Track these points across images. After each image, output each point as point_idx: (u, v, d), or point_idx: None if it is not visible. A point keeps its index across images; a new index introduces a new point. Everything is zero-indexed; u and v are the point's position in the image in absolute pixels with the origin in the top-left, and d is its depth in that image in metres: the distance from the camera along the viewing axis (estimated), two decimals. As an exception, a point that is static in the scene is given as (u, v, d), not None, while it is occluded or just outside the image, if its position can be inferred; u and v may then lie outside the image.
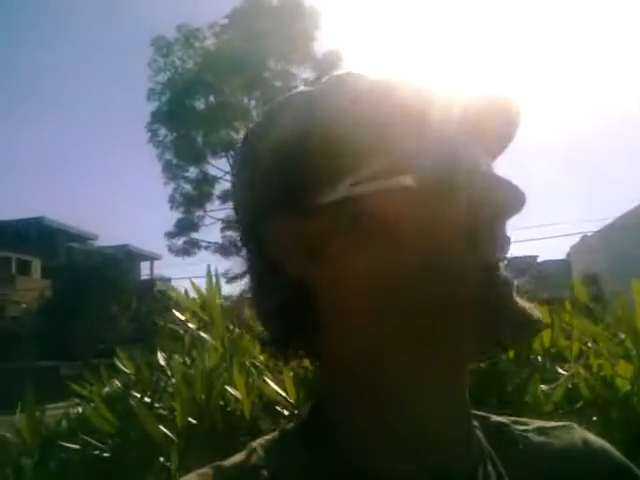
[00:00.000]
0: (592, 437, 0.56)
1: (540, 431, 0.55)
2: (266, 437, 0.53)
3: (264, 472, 0.48)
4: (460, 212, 0.44)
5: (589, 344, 1.48)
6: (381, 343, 0.47)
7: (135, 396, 1.54)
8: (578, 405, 1.34)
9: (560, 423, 0.58)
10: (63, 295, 23.84)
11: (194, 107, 22.45)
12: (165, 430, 1.32)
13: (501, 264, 0.46)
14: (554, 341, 1.41)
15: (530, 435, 0.54)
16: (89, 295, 23.26)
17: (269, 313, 0.52)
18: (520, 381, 1.33)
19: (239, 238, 0.55)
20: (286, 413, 1.40)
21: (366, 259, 0.46)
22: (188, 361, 1.83)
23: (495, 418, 0.56)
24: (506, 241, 0.47)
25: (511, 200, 0.46)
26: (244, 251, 0.54)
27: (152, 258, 33.88)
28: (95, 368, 2.06)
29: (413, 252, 0.45)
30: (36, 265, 28.74)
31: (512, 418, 0.57)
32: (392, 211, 0.45)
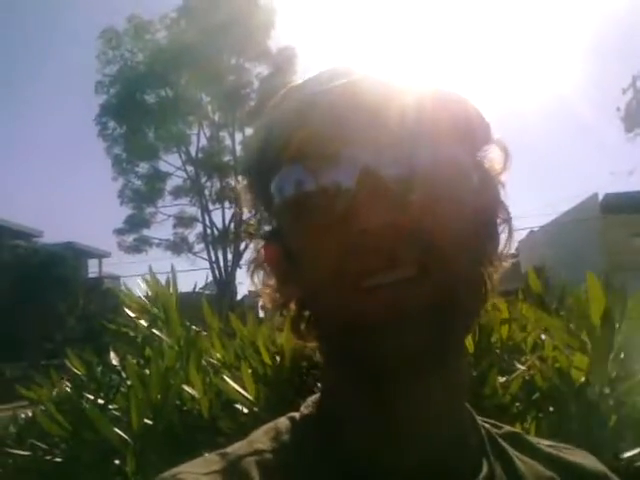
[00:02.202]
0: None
1: (552, 446, 0.56)
2: (270, 426, 0.52)
3: (272, 461, 0.48)
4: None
5: (543, 336, 1.52)
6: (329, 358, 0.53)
7: (88, 398, 1.48)
8: (534, 397, 1.36)
9: (570, 447, 0.59)
10: (7, 294, 22.97)
11: (145, 101, 21.96)
12: (120, 432, 1.28)
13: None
14: (511, 334, 1.43)
15: (542, 446, 0.56)
16: (35, 294, 22.50)
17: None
18: (478, 373, 1.35)
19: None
20: (245, 411, 1.37)
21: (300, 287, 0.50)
22: (141, 361, 1.78)
23: (508, 428, 0.57)
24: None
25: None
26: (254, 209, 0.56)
27: (100, 255, 33.03)
28: (43, 369, 1.99)
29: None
30: (-22, 263, 27.61)
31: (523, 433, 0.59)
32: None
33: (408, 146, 0.44)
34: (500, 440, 0.53)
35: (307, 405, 0.53)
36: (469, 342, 1.34)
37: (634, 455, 1.12)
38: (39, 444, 1.42)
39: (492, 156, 0.52)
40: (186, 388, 1.52)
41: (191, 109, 21.06)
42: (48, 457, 1.36)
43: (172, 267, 2.03)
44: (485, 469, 0.48)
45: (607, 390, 1.23)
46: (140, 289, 1.97)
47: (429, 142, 0.45)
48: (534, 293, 1.55)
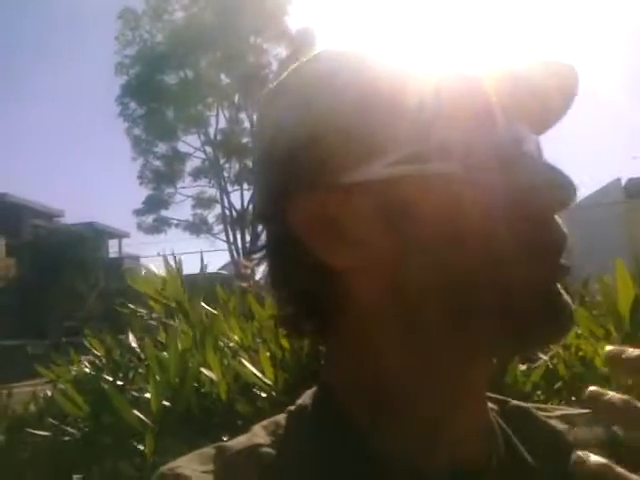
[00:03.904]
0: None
1: (564, 419, 0.53)
2: (270, 420, 0.51)
3: (269, 455, 0.46)
4: (509, 203, 0.42)
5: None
6: (410, 333, 0.45)
7: (107, 379, 1.49)
8: (557, 386, 1.34)
9: (583, 411, 0.55)
10: (29, 273, 23.36)
11: (164, 82, 21.99)
12: (139, 414, 1.28)
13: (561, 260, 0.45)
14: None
15: (554, 422, 0.53)
16: (55, 273, 22.85)
17: (287, 292, 0.51)
18: (499, 361, 1.33)
19: (259, 212, 0.52)
20: (263, 395, 1.37)
21: (400, 247, 0.44)
22: (158, 345, 1.78)
23: (514, 402, 0.55)
24: (563, 236, 0.45)
25: (563, 191, 0.45)
26: (263, 225, 0.52)
27: (120, 236, 33.38)
28: (63, 347, 2.01)
29: (456, 246, 0.43)
30: (0, 243, 28.08)
31: (533, 404, 0.56)
32: (431, 198, 0.43)
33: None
34: (505, 427, 0.51)
35: (306, 398, 0.51)
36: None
37: None
38: (58, 424, 1.43)
39: None
40: (204, 371, 1.51)
41: (210, 90, 21.03)
42: (67, 438, 1.37)
43: (177, 259, 1.91)
44: (494, 461, 0.47)
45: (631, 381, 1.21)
46: (155, 270, 1.96)
47: None
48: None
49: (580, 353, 1.33)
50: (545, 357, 1.35)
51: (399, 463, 0.45)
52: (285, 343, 1.40)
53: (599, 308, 1.30)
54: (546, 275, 0.44)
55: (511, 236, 0.42)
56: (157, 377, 1.36)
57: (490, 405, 0.52)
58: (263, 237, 0.53)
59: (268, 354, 1.40)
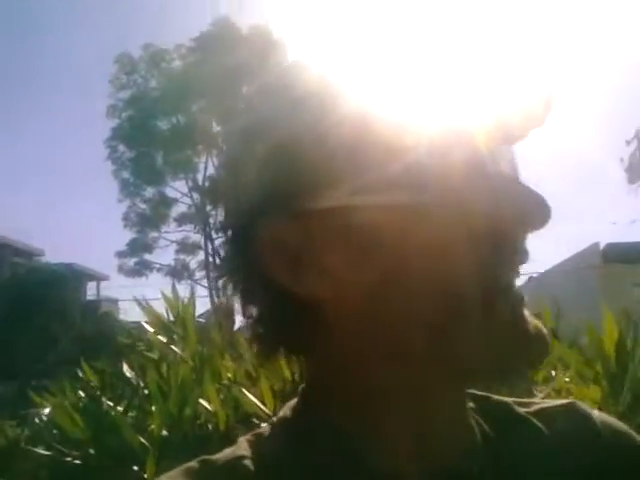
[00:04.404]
0: (601, 419, 0.55)
1: (543, 413, 0.54)
2: (254, 432, 0.52)
3: (251, 466, 0.47)
4: (471, 230, 0.42)
5: (553, 372, 1.55)
6: (373, 356, 0.47)
7: (108, 404, 1.51)
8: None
9: (562, 402, 0.57)
10: (3, 311, 22.85)
11: (156, 127, 22.26)
12: (141, 439, 1.30)
13: (514, 281, 0.45)
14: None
15: (533, 418, 0.53)
16: (31, 313, 22.33)
17: (254, 317, 0.51)
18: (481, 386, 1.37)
19: (225, 239, 0.51)
20: (263, 425, 1.39)
21: (360, 274, 0.44)
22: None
23: (496, 398, 0.55)
24: (524, 256, 0.46)
25: (534, 213, 0.44)
26: (229, 253, 0.51)
27: (99, 278, 32.89)
28: (33, 389, 2.01)
29: (415, 272, 0.43)
30: (-24, 279, 27.54)
31: (514, 399, 0.56)
32: (392, 227, 0.43)
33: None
34: (484, 425, 0.52)
35: (286, 410, 0.53)
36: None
37: None
38: (58, 447, 1.44)
39: None
40: (202, 402, 1.54)
41: (201, 137, 21.32)
42: (68, 458, 1.38)
43: (190, 290, 2.05)
44: (475, 465, 0.48)
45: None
46: (145, 311, 2.01)
47: None
48: (548, 328, 1.57)
49: (570, 396, 1.39)
50: (537, 400, 1.41)
51: (378, 470, 0.46)
52: (288, 375, 1.44)
53: (588, 352, 1.37)
54: (512, 299, 0.45)
55: (474, 263, 0.43)
56: (160, 405, 1.39)
57: (470, 405, 0.52)
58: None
59: (268, 385, 1.44)
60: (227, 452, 0.50)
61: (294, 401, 0.53)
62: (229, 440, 1.46)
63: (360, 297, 0.45)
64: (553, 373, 1.54)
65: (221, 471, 0.47)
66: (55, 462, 1.38)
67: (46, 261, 28.57)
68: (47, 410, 1.92)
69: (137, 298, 2.04)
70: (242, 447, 0.50)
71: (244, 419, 1.45)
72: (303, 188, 0.44)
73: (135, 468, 1.31)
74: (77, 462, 1.34)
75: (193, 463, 0.48)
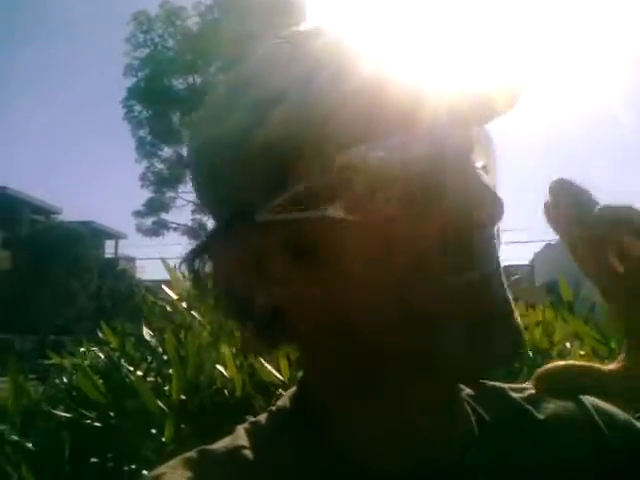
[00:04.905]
0: (592, 403, 0.55)
1: (538, 399, 0.54)
2: (252, 420, 0.53)
3: (250, 456, 0.48)
4: (432, 229, 0.42)
5: (567, 344, 1.55)
6: (344, 358, 0.47)
7: (128, 368, 1.54)
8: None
9: None
10: (22, 268, 23.28)
11: (173, 86, 22.12)
12: (160, 403, 1.33)
13: (492, 276, 0.43)
14: (540, 339, 1.47)
15: (528, 404, 0.54)
16: (49, 269, 22.77)
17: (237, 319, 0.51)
18: (507, 373, 1.38)
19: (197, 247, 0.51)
20: (279, 392, 1.42)
21: (315, 287, 0.45)
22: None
23: (490, 384, 0.55)
24: (492, 251, 0.44)
25: (488, 210, 0.43)
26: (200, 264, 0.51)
27: (117, 236, 33.34)
28: (51, 344, 2.04)
29: (366, 284, 0.43)
30: (-4, 235, 28.00)
31: (508, 385, 0.57)
32: (338, 238, 0.43)
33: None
34: (482, 412, 0.52)
35: (285, 399, 0.53)
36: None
37: None
38: (76, 407, 1.48)
39: None
40: (219, 367, 1.57)
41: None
42: (87, 421, 1.42)
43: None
44: (469, 457, 0.48)
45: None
46: (171, 274, 2.01)
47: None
48: (564, 301, 1.58)
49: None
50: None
51: (364, 464, 0.46)
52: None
53: (603, 329, 1.36)
54: (478, 300, 0.43)
55: (425, 264, 0.42)
56: (178, 370, 1.42)
57: (466, 391, 0.52)
58: None
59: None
60: (226, 441, 0.50)
61: (293, 390, 0.53)
62: (245, 407, 1.49)
63: (316, 308, 0.46)
64: (568, 345, 1.54)
65: (220, 461, 0.48)
66: (75, 424, 1.43)
67: (64, 219, 28.95)
68: (67, 369, 1.96)
69: (162, 257, 2.00)
70: (240, 436, 0.50)
71: (260, 386, 1.47)
72: (253, 199, 0.45)
73: (153, 431, 1.35)
74: (97, 424, 1.39)
75: (192, 453, 0.49)
